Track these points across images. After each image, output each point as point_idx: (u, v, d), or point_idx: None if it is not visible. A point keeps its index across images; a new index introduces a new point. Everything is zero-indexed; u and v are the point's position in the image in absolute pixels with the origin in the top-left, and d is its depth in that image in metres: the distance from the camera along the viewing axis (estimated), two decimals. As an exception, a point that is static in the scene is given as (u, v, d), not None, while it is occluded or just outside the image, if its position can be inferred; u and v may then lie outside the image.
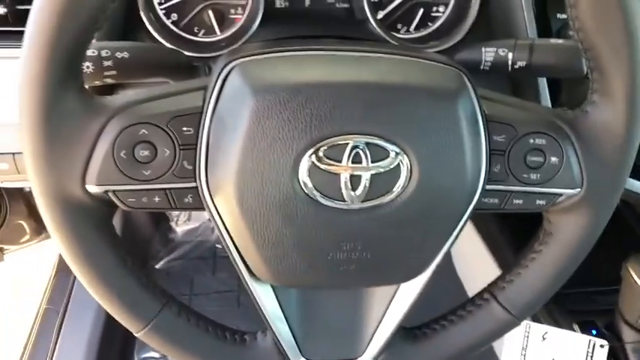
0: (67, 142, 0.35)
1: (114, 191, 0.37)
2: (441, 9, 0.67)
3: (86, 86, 0.37)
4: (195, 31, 0.64)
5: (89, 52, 0.43)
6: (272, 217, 0.37)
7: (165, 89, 0.38)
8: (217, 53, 0.60)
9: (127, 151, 0.36)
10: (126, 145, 0.36)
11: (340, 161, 0.36)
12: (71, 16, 0.31)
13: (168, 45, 0.59)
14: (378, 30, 0.63)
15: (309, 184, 0.36)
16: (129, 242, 1.32)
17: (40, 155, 0.34)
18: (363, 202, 0.37)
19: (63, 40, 0.32)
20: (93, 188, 0.36)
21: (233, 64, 0.37)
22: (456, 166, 0.37)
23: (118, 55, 0.44)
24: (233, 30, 0.64)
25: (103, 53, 0.43)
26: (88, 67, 0.43)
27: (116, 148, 0.36)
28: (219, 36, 0.64)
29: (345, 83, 0.36)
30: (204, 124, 0.36)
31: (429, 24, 0.68)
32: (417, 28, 0.68)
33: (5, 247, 1.16)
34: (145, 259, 1.39)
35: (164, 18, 0.63)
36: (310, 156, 0.35)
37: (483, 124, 0.38)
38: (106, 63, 0.43)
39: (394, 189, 0.37)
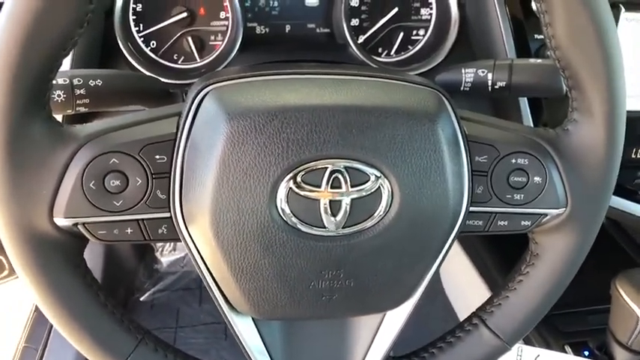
0: (32, 174, 0.33)
1: (84, 224, 0.35)
2: (421, 32, 0.68)
3: (58, 115, 0.35)
4: (175, 58, 0.63)
5: (60, 81, 0.42)
6: (250, 246, 0.35)
7: (136, 116, 0.36)
8: (195, 80, 0.59)
9: (96, 182, 0.34)
10: (95, 175, 0.34)
11: (319, 186, 0.35)
12: (35, 45, 0.30)
13: (146, 72, 0.59)
14: (359, 54, 0.64)
15: (288, 211, 0.35)
16: (112, 274, 1.28)
17: (3, 187, 0.33)
18: (344, 227, 0.35)
19: (26, 70, 0.31)
20: (61, 221, 0.35)
21: (208, 89, 0.36)
22: (439, 188, 0.36)
23: (91, 82, 0.43)
24: (213, 56, 0.64)
25: (75, 81, 0.42)
26: (59, 95, 0.42)
27: (85, 179, 0.34)
28: (199, 62, 0.64)
29: (322, 106, 0.35)
30: (177, 152, 0.35)
31: (410, 47, 0.69)
32: (397, 52, 0.69)
33: (-18, 283, 1.12)
34: (130, 291, 1.36)
35: (142, 45, 0.62)
36: (288, 182, 0.34)
37: (464, 145, 0.37)
38: (78, 91, 0.42)
39: (375, 214, 0.36)
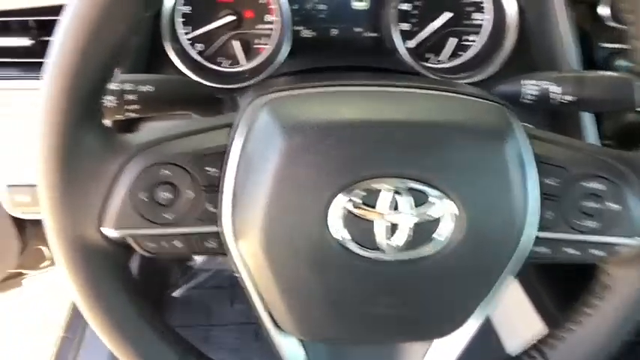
0: (83, 183, 0.33)
1: (132, 235, 0.34)
2: (474, 38, 0.65)
3: (107, 121, 0.35)
4: (220, 61, 0.62)
5: (112, 86, 0.41)
6: (301, 266, 0.34)
7: (188, 126, 0.36)
8: (241, 85, 0.58)
9: (147, 193, 0.34)
10: (146, 187, 0.34)
11: (377, 207, 0.33)
12: (92, 54, 0.30)
13: (193, 76, 0.58)
14: (408, 60, 0.61)
15: (342, 232, 0.33)
16: (148, 269, 1.30)
17: (54, 196, 0.32)
18: (401, 252, 0.34)
19: (81, 80, 0.30)
20: (110, 232, 0.34)
21: (262, 100, 0.35)
22: (506, 212, 0.34)
23: (142, 88, 0.42)
24: (259, 60, 0.62)
25: (127, 87, 0.42)
26: (110, 101, 0.41)
27: (135, 190, 0.34)
28: (245, 66, 0.62)
29: (382, 122, 0.33)
30: (229, 164, 0.34)
31: (461, 54, 0.65)
32: (448, 58, 0.65)
33: (24, 271, 1.15)
34: (164, 287, 1.37)
35: (189, 48, 0.61)
36: (344, 201, 0.33)
37: (534, 166, 0.35)
38: (129, 97, 0.42)
39: (437, 238, 0.33)
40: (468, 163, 0.33)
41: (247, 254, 0.35)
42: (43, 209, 0.33)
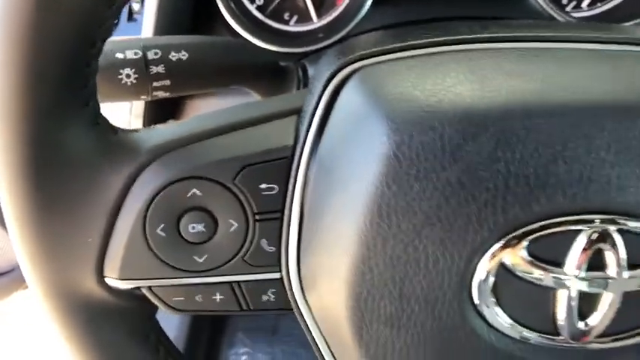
0: (69, 212, 0.21)
1: (149, 287, 0.23)
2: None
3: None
4: (286, 18, 0.49)
5: (129, 54, 0.28)
6: (415, 351, 0.20)
7: (230, 115, 0.23)
8: (312, 47, 0.45)
9: (167, 225, 0.22)
10: (166, 216, 0.22)
11: (561, 265, 0.19)
12: (52, 6, 0.17)
13: (250, 38, 0.45)
14: (542, 5, 0.45)
15: (497, 305, 0.19)
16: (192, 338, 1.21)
17: (30, 235, 0.21)
18: (600, 339, 0.19)
19: (50, 43, 0.18)
20: (116, 283, 0.23)
21: (350, 68, 0.21)
22: None
23: (173, 56, 0.29)
24: (334, 15, 0.49)
25: (151, 54, 0.28)
26: (128, 75, 0.28)
27: (150, 221, 0.22)
28: (317, 23, 0.49)
29: (583, 106, 0.18)
30: (298, 178, 0.22)
31: (608, -2, 0.49)
32: (590, 5, 0.49)
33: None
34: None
35: (247, 3, 0.49)
36: (499, 255, 0.19)
37: None
38: (155, 69, 0.29)
39: None
40: None
41: (322, 317, 0.23)
42: (16, 253, 0.22)
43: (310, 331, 0.24)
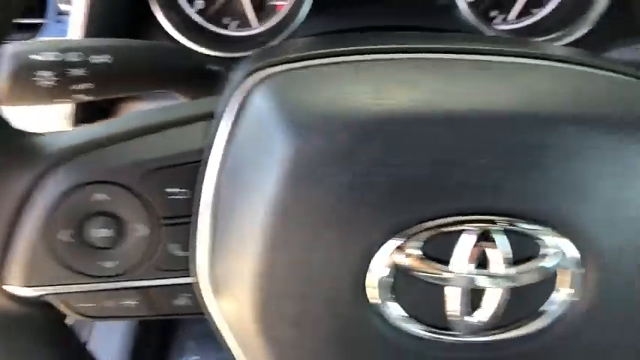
0: None
1: (55, 294, 0.23)
2: (553, -9, 0.51)
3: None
4: (225, 22, 0.50)
5: (49, 56, 0.28)
6: (316, 348, 0.22)
7: (137, 119, 0.23)
8: (249, 53, 0.46)
9: (72, 230, 0.22)
10: (71, 220, 0.22)
11: (448, 262, 0.20)
12: None
13: (188, 43, 0.45)
14: (469, 18, 0.47)
15: (391, 301, 0.21)
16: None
17: None
18: (488, 332, 0.21)
19: None
20: (20, 291, 0.23)
21: (259, 74, 0.22)
22: None
23: (95, 59, 0.29)
24: (275, 21, 0.50)
25: (72, 57, 0.28)
26: (48, 77, 0.28)
27: (54, 227, 0.22)
28: (257, 29, 0.50)
29: (467, 115, 0.20)
30: (205, 182, 0.22)
31: (535, 11, 0.52)
32: (518, 17, 0.52)
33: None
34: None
35: (187, 7, 0.49)
36: (394, 251, 0.20)
37: None
38: (77, 72, 0.28)
39: (548, 310, 0.21)
40: (614, 185, 0.20)
41: (233, 320, 0.23)
42: None
43: (222, 335, 0.24)
